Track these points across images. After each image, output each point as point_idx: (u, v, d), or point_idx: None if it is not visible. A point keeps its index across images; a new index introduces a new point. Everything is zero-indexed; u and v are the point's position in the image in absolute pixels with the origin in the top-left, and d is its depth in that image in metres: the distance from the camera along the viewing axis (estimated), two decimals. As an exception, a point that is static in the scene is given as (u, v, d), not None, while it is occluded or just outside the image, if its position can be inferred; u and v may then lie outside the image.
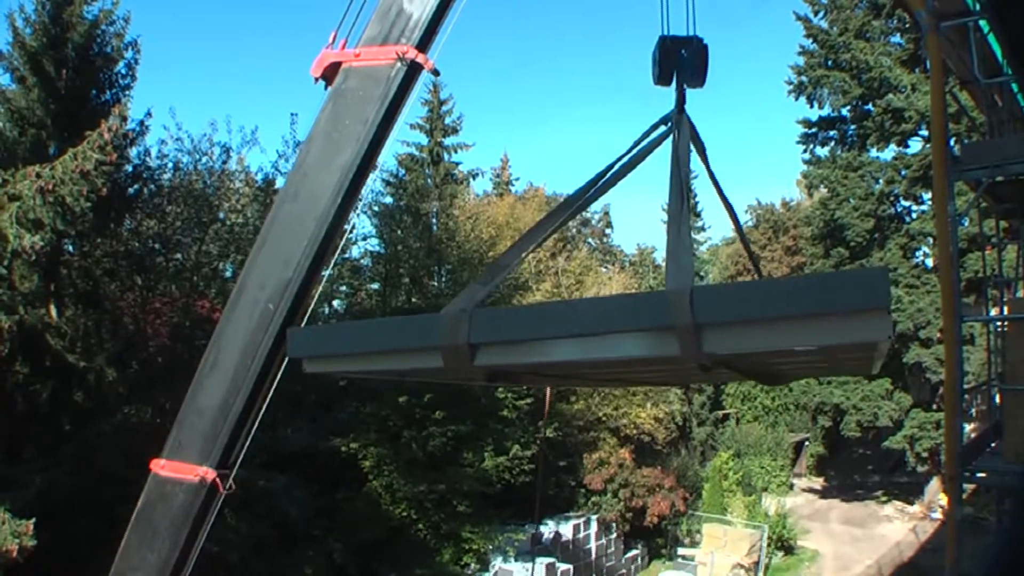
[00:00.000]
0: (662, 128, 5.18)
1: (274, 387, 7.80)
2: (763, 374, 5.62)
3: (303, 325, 7.64)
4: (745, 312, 2.98)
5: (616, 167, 5.05)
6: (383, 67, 7.18)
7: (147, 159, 26.50)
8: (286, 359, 7.56)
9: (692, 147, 5.16)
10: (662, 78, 5.36)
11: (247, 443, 7.90)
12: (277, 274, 7.43)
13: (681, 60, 5.34)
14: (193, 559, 8.00)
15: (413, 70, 7.23)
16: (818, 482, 55.34)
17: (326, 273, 8.53)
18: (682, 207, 4.46)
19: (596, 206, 66.09)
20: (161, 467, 7.87)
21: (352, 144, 7.23)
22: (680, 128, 5.08)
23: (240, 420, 7.67)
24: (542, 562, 31.98)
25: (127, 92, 24.05)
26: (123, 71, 24.11)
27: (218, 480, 7.72)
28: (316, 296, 7.94)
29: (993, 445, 13.41)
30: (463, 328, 3.73)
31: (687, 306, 3.03)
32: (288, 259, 7.39)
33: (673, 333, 3.10)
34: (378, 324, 4.30)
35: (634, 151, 5.10)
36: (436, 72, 7.40)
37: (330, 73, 7.38)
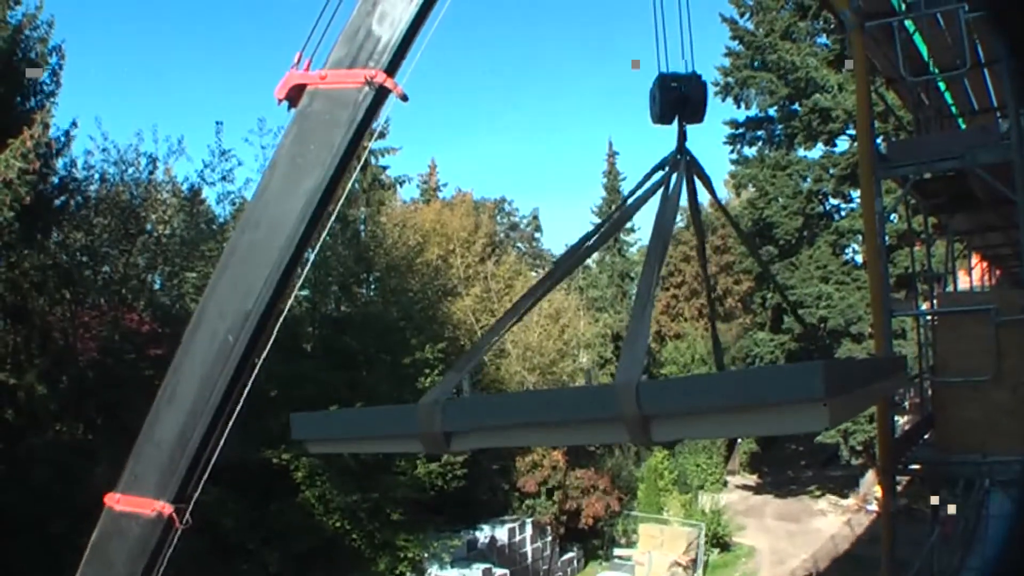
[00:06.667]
0: (660, 173, 5.06)
1: (233, 419, 7.55)
2: None
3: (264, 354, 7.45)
4: (687, 405, 3.13)
5: (613, 217, 4.98)
6: (350, 91, 6.93)
7: (73, 170, 26.06)
8: (246, 389, 7.36)
9: (698, 181, 5.08)
10: (663, 117, 5.24)
11: (205, 475, 7.65)
12: (237, 305, 7.14)
13: (681, 98, 5.21)
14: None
15: (381, 94, 7.01)
16: (752, 479, 55.86)
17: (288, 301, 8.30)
18: (655, 274, 4.49)
19: (525, 210, 66.25)
20: (116, 501, 7.56)
21: (318, 169, 6.98)
22: (680, 171, 4.97)
23: (198, 453, 7.42)
24: (479, 567, 31.93)
25: (52, 99, 23.47)
26: (47, 78, 23.50)
27: (175, 515, 7.46)
28: (277, 327, 7.65)
29: (926, 437, 13.67)
30: (437, 418, 4.00)
31: (634, 400, 3.18)
32: (249, 290, 7.10)
33: (622, 423, 3.26)
34: (368, 412, 4.56)
35: (632, 199, 5.01)
36: (404, 98, 7.15)
37: (295, 95, 7.13)
